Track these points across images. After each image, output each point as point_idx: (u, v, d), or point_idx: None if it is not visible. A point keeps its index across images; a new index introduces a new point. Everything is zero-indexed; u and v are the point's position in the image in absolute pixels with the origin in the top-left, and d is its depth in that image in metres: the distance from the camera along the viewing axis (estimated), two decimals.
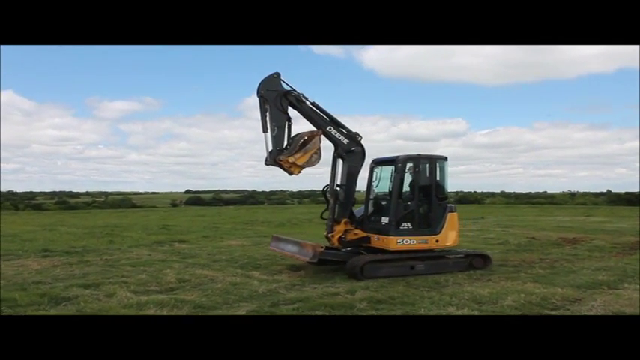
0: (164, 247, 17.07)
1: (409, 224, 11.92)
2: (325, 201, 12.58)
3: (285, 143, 11.57)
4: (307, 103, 11.72)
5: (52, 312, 8.27)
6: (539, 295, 9.44)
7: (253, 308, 8.54)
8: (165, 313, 8.08)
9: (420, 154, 12.21)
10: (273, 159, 11.37)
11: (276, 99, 11.42)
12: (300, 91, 11.67)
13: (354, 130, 12.10)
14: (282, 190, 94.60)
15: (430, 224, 12.06)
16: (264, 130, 11.44)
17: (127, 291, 9.53)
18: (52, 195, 78.18)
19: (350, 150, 11.98)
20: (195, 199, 68.09)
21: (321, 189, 12.67)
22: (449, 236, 12.24)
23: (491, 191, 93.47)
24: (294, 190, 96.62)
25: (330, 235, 12.19)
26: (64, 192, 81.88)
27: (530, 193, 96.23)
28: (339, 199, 12.17)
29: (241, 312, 8.30)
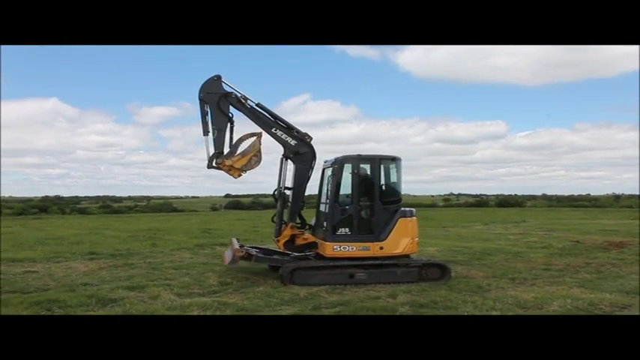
0: (206, 250, 17.24)
1: (347, 229, 11.15)
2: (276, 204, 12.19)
3: (228, 146, 11.55)
4: (250, 104, 11.56)
5: (100, 313, 8.46)
6: (586, 300, 9.21)
7: (295, 311, 8.58)
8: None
9: (360, 155, 11.44)
10: (213, 162, 11.40)
11: (216, 101, 11.36)
12: (242, 93, 11.53)
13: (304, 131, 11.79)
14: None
15: (373, 230, 11.25)
16: (205, 133, 11.43)
17: (171, 293, 9.67)
18: (96, 199, 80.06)
19: (297, 151, 11.58)
20: (234, 203, 68.69)
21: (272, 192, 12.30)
22: (400, 243, 11.21)
23: (532, 194, 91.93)
24: None
25: (276, 239, 11.90)
26: (108, 196, 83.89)
27: (573, 195, 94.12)
28: (286, 203, 11.88)
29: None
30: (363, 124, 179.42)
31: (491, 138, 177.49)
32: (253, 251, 11.92)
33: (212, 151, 11.39)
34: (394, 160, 11.75)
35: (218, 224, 30.84)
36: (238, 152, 11.43)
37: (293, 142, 11.54)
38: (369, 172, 11.38)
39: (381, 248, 11.13)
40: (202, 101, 11.41)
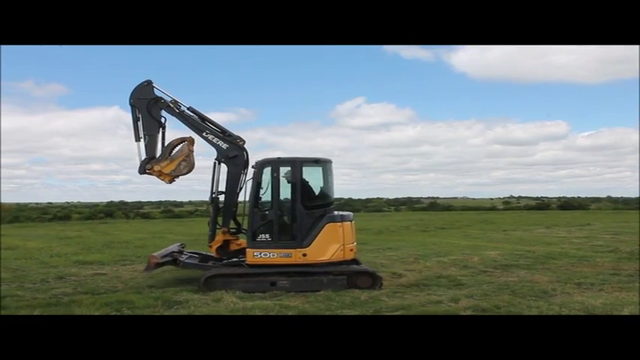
0: None
1: (267, 236, 10.77)
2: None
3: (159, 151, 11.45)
4: (181, 108, 11.43)
5: (166, 314, 8.75)
6: None
7: (356, 315, 8.61)
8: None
9: (280, 158, 11.13)
10: (143, 167, 11.31)
11: (147, 107, 11.29)
12: (172, 98, 11.43)
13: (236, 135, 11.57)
14: (378, 198, 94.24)
15: (294, 236, 10.81)
16: (137, 139, 11.37)
17: (233, 296, 9.84)
18: (158, 204, 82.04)
19: (229, 155, 11.35)
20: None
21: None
22: (327, 250, 10.68)
23: (596, 196, 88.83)
24: (391, 197, 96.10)
25: (209, 244, 11.66)
26: (169, 201, 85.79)
27: None
28: (219, 208, 11.62)
29: None
30: (419, 127, 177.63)
31: (552, 139, 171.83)
32: (183, 257, 11.84)
33: (144, 156, 11.38)
34: (318, 162, 11.32)
35: None
36: (167, 157, 11.38)
37: (225, 146, 11.35)
38: (291, 176, 10.93)
39: (304, 255, 10.65)
40: (133, 107, 11.35)
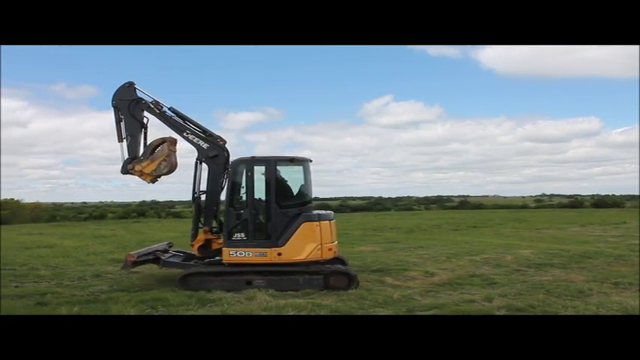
0: None
1: (242, 235, 10.81)
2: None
3: (142, 152, 11.53)
4: (162, 109, 11.50)
5: (200, 312, 8.87)
6: None
7: (388, 314, 8.60)
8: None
9: (254, 157, 11.18)
10: (125, 168, 11.43)
11: (128, 108, 11.41)
12: (153, 98, 11.51)
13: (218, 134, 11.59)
14: (408, 196, 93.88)
15: (269, 235, 10.81)
16: (120, 140, 11.48)
17: (266, 295, 9.90)
18: (189, 203, 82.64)
19: (209, 155, 11.37)
20: (322, 206, 68.89)
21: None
22: (303, 249, 10.60)
23: (631, 194, 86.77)
24: (421, 195, 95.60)
25: (191, 244, 11.68)
26: None
27: None
28: (201, 207, 11.63)
29: None
30: (447, 125, 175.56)
31: (584, 135, 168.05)
32: (165, 256, 11.91)
33: (127, 157, 11.53)
34: (293, 161, 11.35)
35: None
36: (148, 157, 11.47)
37: (205, 146, 11.40)
38: (267, 175, 10.96)
39: (279, 254, 10.62)
40: (115, 108, 11.52)
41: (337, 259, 11.40)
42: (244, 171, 11.04)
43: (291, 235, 10.66)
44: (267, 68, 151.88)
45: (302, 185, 11.37)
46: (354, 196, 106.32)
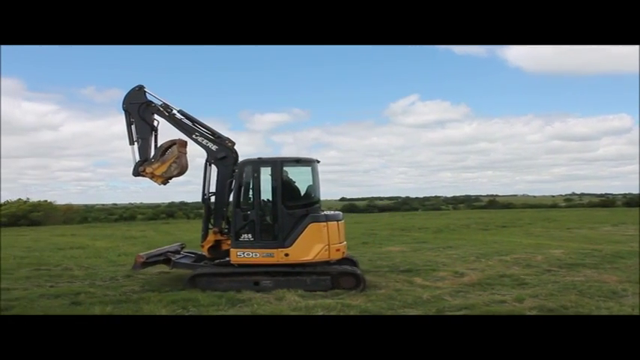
0: None
1: (249, 235, 10.83)
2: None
3: (152, 154, 11.65)
4: (172, 112, 11.61)
5: (230, 312, 8.95)
6: None
7: (418, 314, 8.57)
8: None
9: (260, 158, 11.18)
10: (136, 170, 11.56)
11: (138, 111, 11.53)
12: (163, 101, 11.62)
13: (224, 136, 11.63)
14: (436, 196, 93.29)
15: (276, 236, 10.79)
16: (131, 143, 11.62)
17: (295, 295, 9.94)
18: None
19: (217, 156, 11.45)
20: (350, 206, 69.09)
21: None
22: (310, 250, 10.58)
23: None
24: (449, 195, 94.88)
25: (201, 244, 11.72)
26: None
27: None
28: (211, 208, 11.65)
29: None
30: (474, 124, 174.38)
31: (615, 133, 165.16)
32: (177, 257, 12.00)
33: (138, 159, 11.68)
34: (300, 162, 11.37)
35: None
36: (159, 160, 11.59)
37: (214, 147, 11.49)
38: (272, 176, 10.92)
39: (287, 255, 10.62)
40: (126, 112, 11.71)
41: (346, 260, 11.42)
42: (251, 172, 11.07)
43: (298, 235, 10.68)
44: (292, 69, 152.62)
45: (309, 186, 11.37)
46: (381, 196, 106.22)
